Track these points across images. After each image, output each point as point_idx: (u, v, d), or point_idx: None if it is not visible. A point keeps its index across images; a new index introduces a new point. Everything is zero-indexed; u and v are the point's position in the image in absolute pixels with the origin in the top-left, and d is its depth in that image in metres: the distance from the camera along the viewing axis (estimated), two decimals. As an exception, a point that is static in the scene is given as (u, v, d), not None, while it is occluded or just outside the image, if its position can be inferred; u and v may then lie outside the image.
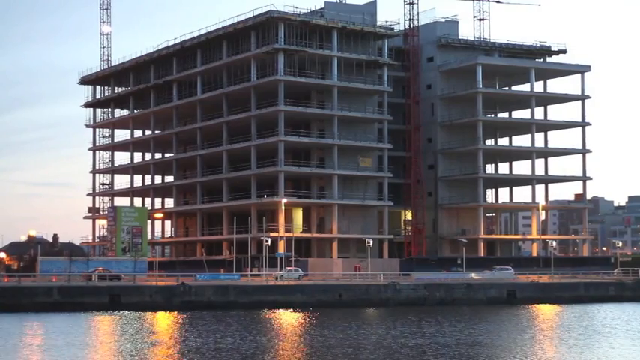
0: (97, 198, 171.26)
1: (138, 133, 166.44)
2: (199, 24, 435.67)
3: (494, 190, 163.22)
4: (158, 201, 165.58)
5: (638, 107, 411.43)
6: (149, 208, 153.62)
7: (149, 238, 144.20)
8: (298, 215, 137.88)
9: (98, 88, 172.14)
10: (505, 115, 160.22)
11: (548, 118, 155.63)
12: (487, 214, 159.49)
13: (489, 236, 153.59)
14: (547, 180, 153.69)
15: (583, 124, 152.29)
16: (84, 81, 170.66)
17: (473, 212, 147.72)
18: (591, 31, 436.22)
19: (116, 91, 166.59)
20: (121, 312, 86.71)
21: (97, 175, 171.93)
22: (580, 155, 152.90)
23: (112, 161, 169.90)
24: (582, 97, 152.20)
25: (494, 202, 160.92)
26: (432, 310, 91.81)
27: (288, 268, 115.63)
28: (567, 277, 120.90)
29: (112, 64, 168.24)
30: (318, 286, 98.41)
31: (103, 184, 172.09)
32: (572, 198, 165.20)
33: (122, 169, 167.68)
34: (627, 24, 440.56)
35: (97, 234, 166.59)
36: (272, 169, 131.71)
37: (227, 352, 55.57)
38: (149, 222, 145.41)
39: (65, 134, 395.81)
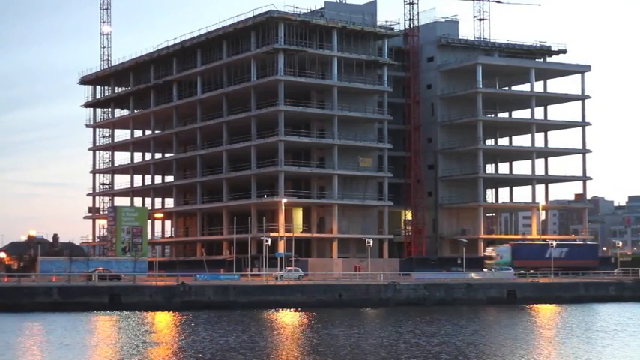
0: (97, 198, 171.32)
1: (138, 133, 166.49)
2: (199, 24, 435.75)
3: (494, 190, 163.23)
4: (158, 201, 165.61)
5: (638, 107, 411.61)
6: (149, 208, 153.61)
7: (149, 238, 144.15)
8: (298, 215, 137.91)
9: (98, 88, 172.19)
10: (505, 115, 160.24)
11: (548, 118, 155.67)
12: (487, 214, 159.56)
13: (489, 236, 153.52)
14: (547, 180, 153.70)
15: (583, 124, 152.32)
16: (84, 81, 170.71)
17: (473, 212, 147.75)
18: (591, 31, 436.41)
19: (116, 91, 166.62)
20: (121, 312, 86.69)
21: (97, 175, 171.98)
22: (580, 155, 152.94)
23: (112, 161, 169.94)
24: (582, 97, 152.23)
25: (494, 202, 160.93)
26: (433, 310, 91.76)
27: (288, 268, 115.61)
28: (567, 277, 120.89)
29: (112, 64, 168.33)
30: (318, 286, 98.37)
31: (103, 184, 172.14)
32: (572, 198, 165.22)
33: (122, 169, 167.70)
34: (627, 24, 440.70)
35: (97, 234, 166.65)
36: (272, 169, 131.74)
37: (227, 352, 55.55)
38: (149, 222, 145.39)
39: (65, 134, 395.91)
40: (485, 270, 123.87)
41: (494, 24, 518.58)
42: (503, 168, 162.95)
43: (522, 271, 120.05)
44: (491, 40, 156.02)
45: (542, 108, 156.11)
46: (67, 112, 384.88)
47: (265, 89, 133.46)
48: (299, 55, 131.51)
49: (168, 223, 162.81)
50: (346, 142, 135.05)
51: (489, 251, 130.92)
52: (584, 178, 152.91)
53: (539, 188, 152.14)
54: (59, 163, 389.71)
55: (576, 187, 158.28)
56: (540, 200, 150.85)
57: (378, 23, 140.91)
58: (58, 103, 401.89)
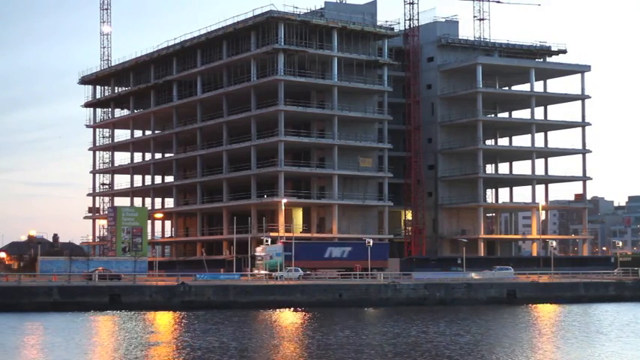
0: (97, 198, 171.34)
1: (138, 133, 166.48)
2: (199, 24, 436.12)
3: (494, 190, 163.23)
4: (158, 201, 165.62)
5: (638, 107, 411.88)
6: (149, 208, 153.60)
7: (149, 238, 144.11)
8: (298, 215, 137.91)
9: (98, 88, 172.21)
10: (505, 115, 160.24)
11: (548, 118, 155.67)
12: (487, 214, 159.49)
13: (489, 236, 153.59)
14: (547, 180, 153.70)
15: (583, 124, 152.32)
16: (84, 81, 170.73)
17: (473, 212, 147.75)
18: (591, 31, 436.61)
19: (116, 91, 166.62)
20: (121, 312, 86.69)
21: (97, 175, 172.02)
22: (580, 155, 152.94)
23: (112, 161, 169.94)
24: (582, 97, 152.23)
25: (494, 202, 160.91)
26: (433, 310, 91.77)
27: (288, 268, 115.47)
28: (567, 277, 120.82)
29: (112, 64, 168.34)
30: (318, 286, 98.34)
31: (103, 184, 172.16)
32: (572, 198, 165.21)
33: (122, 169, 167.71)
34: (627, 24, 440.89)
35: (97, 234, 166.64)
36: (272, 169, 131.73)
37: (227, 352, 55.55)
38: (149, 222, 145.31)
39: (65, 134, 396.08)
40: (255, 271, 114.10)
41: (494, 24, 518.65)
42: (503, 168, 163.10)
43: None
44: (492, 40, 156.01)
45: (542, 108, 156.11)
46: (67, 112, 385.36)
47: (265, 89, 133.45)
48: (299, 55, 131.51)
49: (168, 223, 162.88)
50: (346, 142, 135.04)
51: (259, 250, 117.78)
52: (584, 178, 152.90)
53: (539, 188, 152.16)
54: (59, 163, 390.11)
55: (576, 187, 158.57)
56: (540, 200, 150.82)
57: (378, 23, 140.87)
58: (57, 103, 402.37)
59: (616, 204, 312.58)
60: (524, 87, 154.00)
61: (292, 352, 56.27)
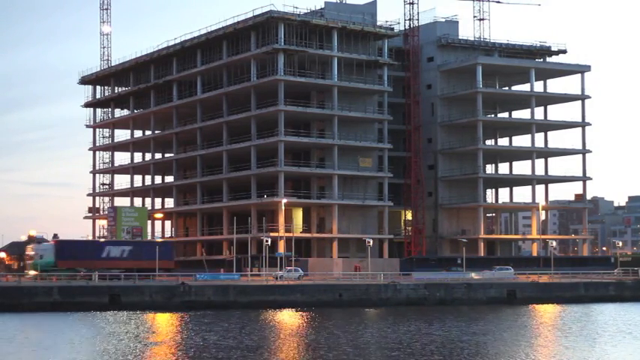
0: (97, 198, 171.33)
1: (138, 133, 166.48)
2: (199, 24, 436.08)
3: (494, 190, 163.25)
4: (158, 201, 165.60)
5: (638, 107, 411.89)
6: (149, 208, 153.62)
7: (149, 238, 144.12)
8: (298, 215, 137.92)
9: (98, 88, 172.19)
10: (505, 115, 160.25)
11: (548, 118, 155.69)
12: (487, 214, 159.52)
13: (489, 236, 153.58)
14: (547, 180, 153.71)
15: (583, 124, 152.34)
16: (84, 81, 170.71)
17: (473, 212, 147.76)
18: (591, 31, 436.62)
19: (116, 91, 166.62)
20: (121, 312, 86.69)
21: (97, 175, 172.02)
22: (580, 155, 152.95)
23: (112, 161, 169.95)
24: (582, 97, 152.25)
25: (494, 202, 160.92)
26: (433, 310, 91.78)
27: (288, 268, 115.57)
28: (567, 277, 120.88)
29: (112, 64, 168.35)
30: (318, 286, 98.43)
31: (103, 184, 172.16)
32: (572, 198, 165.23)
33: (122, 169, 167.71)
34: (627, 24, 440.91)
35: (97, 234, 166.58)
36: (272, 169, 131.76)
37: (227, 352, 55.53)
38: (149, 222, 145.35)
39: (65, 134, 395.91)
40: (26, 271, 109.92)
41: (494, 24, 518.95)
42: (503, 168, 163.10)
43: (73, 273, 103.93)
44: (492, 40, 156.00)
45: (542, 108, 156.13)
46: (66, 112, 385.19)
47: (265, 89, 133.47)
48: (299, 55, 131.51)
49: (168, 223, 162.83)
50: (346, 142, 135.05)
51: (29, 249, 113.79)
52: (584, 178, 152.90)
53: (539, 188, 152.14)
54: (59, 163, 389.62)
55: (576, 187, 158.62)
56: (540, 200, 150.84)
57: (378, 23, 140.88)
58: (57, 103, 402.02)
59: (616, 204, 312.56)
60: (524, 87, 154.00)
61: (323, 351, 56.05)
